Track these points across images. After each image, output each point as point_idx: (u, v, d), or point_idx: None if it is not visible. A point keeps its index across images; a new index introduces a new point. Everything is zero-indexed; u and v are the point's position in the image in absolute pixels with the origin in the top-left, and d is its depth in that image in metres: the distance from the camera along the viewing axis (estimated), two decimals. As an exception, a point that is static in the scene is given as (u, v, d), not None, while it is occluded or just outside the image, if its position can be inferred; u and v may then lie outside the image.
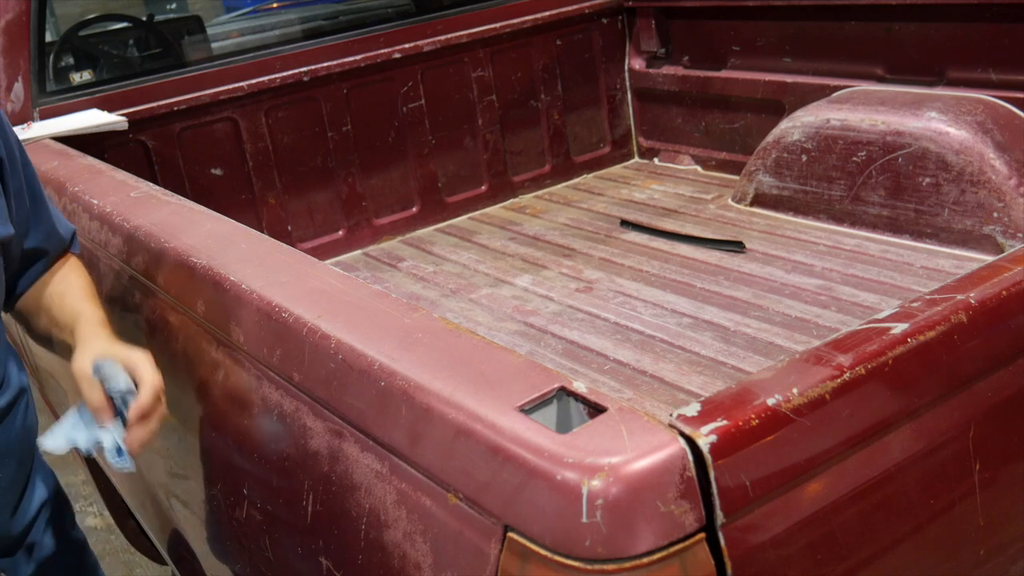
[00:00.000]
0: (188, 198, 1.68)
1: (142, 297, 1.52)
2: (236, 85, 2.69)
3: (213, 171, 2.70)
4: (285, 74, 2.76)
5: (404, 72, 2.95)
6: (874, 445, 0.92)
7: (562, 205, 3.12)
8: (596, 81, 3.34)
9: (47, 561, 1.51)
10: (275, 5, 4.18)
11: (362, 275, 2.76)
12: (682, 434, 0.81)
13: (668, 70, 3.25)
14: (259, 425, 1.22)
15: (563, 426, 0.89)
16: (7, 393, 1.40)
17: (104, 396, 1.23)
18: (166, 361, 1.48)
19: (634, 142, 3.45)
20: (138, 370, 1.25)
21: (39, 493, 1.50)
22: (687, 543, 0.79)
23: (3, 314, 1.50)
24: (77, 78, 2.62)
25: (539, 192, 3.27)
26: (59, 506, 1.57)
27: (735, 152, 3.07)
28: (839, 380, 0.89)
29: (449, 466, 0.90)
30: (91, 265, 1.69)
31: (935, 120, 2.24)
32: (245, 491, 1.28)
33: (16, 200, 1.37)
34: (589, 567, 0.78)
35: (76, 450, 1.27)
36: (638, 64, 3.35)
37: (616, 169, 3.40)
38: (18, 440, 1.44)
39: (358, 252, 2.97)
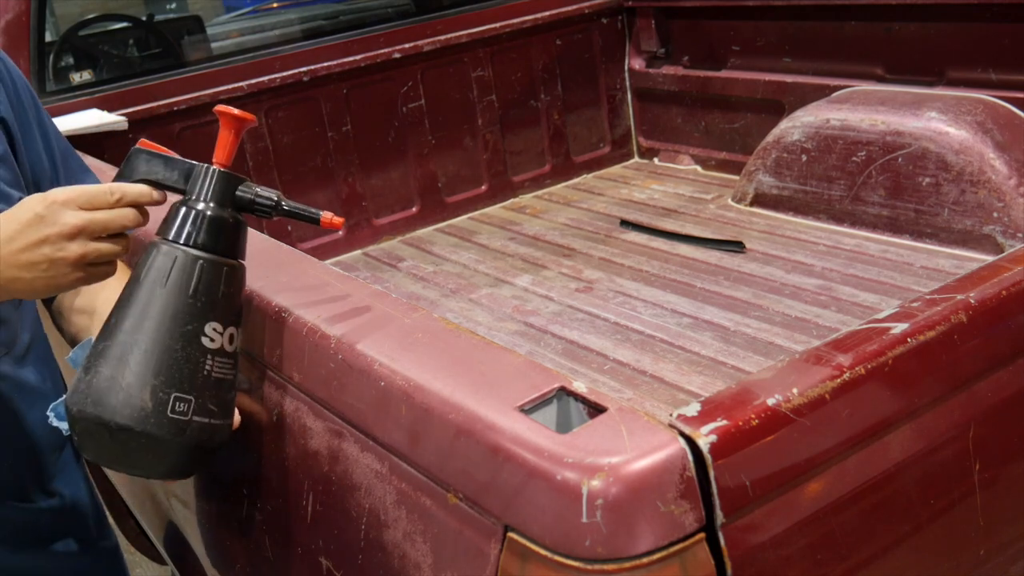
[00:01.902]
0: (188, 198, 1.68)
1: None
2: (236, 85, 2.69)
3: (213, 171, 2.70)
4: (285, 74, 2.76)
5: (404, 72, 2.95)
6: (874, 445, 0.92)
7: (562, 205, 3.12)
8: (596, 81, 3.34)
9: (79, 564, 1.50)
10: (275, 5, 4.18)
11: (362, 275, 2.76)
12: (682, 434, 0.81)
13: (668, 70, 3.25)
14: (259, 425, 1.22)
15: (563, 426, 0.89)
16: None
17: None
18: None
19: (634, 142, 3.45)
20: None
21: (72, 494, 1.50)
22: (687, 543, 0.79)
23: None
24: (77, 78, 2.61)
25: (539, 192, 3.27)
26: (94, 510, 1.56)
27: (735, 152, 3.07)
28: (839, 380, 0.89)
29: (449, 466, 0.90)
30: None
31: (935, 120, 2.24)
32: (245, 491, 1.28)
33: (35, 166, 1.33)
34: (589, 567, 0.78)
35: None
36: (638, 64, 3.35)
37: (616, 169, 3.40)
38: (41, 444, 1.45)
39: (358, 252, 2.97)
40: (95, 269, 1.08)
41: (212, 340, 1.07)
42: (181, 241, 1.07)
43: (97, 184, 1.09)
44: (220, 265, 1.08)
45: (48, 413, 1.24)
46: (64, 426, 1.21)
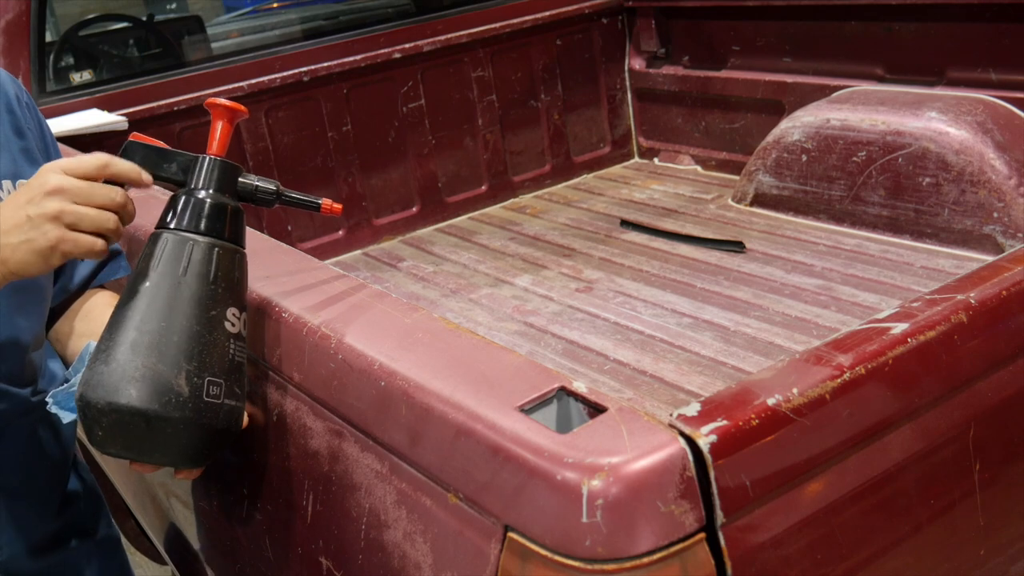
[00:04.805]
0: (188, 198, 1.68)
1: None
2: (236, 85, 2.69)
3: (213, 171, 2.70)
4: (285, 74, 2.76)
5: (404, 72, 2.95)
6: (874, 445, 0.92)
7: (562, 205, 3.12)
8: (596, 81, 3.34)
9: (82, 555, 1.51)
10: (275, 5, 4.18)
11: (362, 275, 2.76)
12: (682, 434, 0.81)
13: (668, 70, 3.25)
14: (259, 425, 1.22)
15: (563, 426, 0.89)
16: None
17: None
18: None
19: (634, 142, 3.45)
20: None
21: (71, 487, 1.51)
22: (687, 543, 0.79)
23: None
24: (77, 78, 2.62)
25: (539, 192, 3.27)
26: (94, 502, 1.57)
27: (735, 152, 3.07)
28: (839, 380, 0.89)
29: (449, 466, 0.90)
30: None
31: (935, 120, 2.24)
32: (245, 491, 1.28)
33: None
34: (589, 567, 0.78)
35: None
36: (638, 64, 3.35)
37: (616, 169, 3.40)
38: (59, 439, 1.45)
39: (358, 252, 2.97)
40: (77, 236, 1.05)
41: (232, 325, 1.08)
42: (192, 229, 1.08)
43: None
44: (232, 251, 1.10)
45: (47, 399, 1.23)
46: (64, 414, 1.21)
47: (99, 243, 1.07)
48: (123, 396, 1.01)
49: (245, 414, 1.15)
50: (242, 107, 1.16)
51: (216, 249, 1.08)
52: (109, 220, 1.07)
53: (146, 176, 1.11)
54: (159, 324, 1.03)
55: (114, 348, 1.04)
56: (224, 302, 1.07)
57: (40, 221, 1.04)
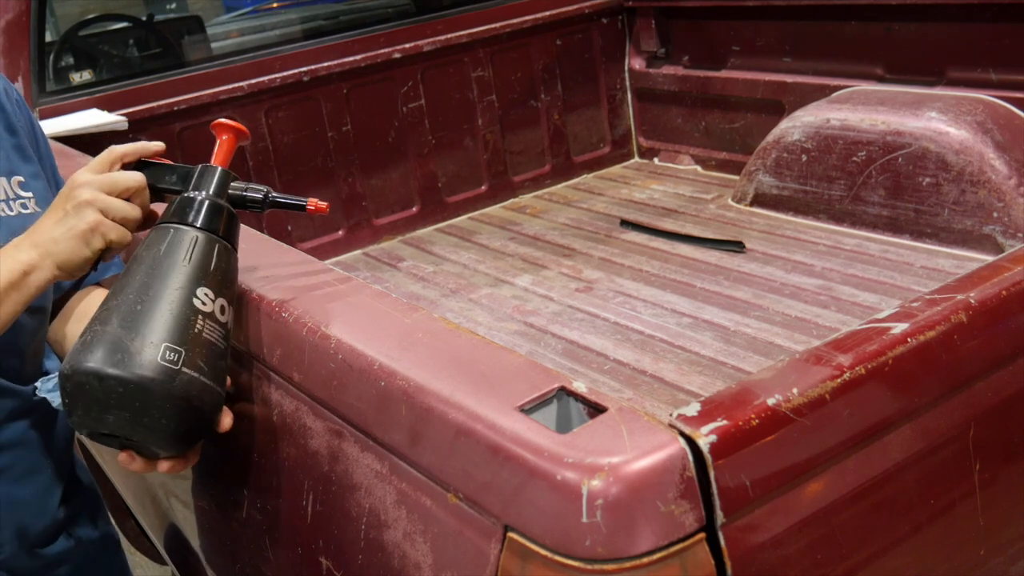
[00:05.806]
0: (188, 198, 1.68)
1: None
2: (236, 85, 2.69)
3: (213, 171, 2.70)
4: (285, 74, 2.76)
5: (404, 72, 2.96)
6: (874, 445, 0.92)
7: (562, 205, 3.12)
8: (596, 81, 3.35)
9: (81, 554, 1.51)
10: (275, 5, 4.18)
11: (362, 275, 2.76)
12: (682, 434, 0.81)
13: (668, 70, 3.25)
14: (259, 425, 1.22)
15: (563, 426, 0.89)
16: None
17: None
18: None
19: (634, 142, 3.45)
20: None
21: (71, 485, 1.51)
22: (687, 543, 0.79)
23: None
24: (77, 78, 2.62)
25: (539, 192, 3.27)
26: (93, 500, 1.57)
27: (735, 152, 3.07)
28: (839, 380, 0.89)
29: (449, 466, 0.90)
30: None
31: (935, 120, 2.24)
32: (245, 491, 1.28)
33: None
34: (589, 567, 0.78)
35: None
36: (638, 64, 3.35)
37: (616, 169, 3.40)
38: (60, 436, 1.45)
39: (358, 252, 2.97)
40: (111, 226, 1.15)
41: (203, 303, 1.11)
42: (177, 221, 1.15)
43: None
44: (213, 240, 1.15)
45: (35, 384, 1.26)
46: (52, 397, 1.26)
47: (129, 234, 1.18)
48: (83, 359, 1.06)
49: (228, 410, 1.15)
50: (247, 130, 1.26)
51: (194, 235, 1.13)
52: (134, 209, 1.18)
53: (154, 144, 1.22)
54: (126, 297, 1.09)
55: (88, 324, 1.10)
56: (195, 280, 1.11)
57: (76, 209, 1.15)
